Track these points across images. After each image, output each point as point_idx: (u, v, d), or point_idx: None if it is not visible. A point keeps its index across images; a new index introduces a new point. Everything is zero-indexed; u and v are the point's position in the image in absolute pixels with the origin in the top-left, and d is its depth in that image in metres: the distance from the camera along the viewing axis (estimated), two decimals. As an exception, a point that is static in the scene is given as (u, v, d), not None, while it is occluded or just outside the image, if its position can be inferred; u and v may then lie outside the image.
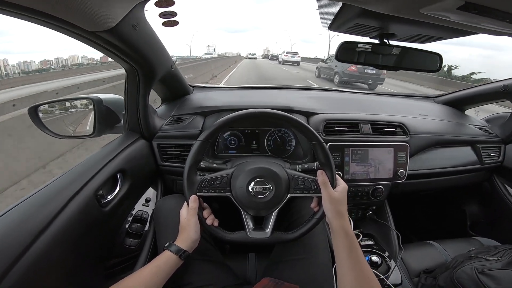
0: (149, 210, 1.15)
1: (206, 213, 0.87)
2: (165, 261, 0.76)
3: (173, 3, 0.73)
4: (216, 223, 0.87)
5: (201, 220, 0.84)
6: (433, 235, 1.63)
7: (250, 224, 0.86)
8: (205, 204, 0.89)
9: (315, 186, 0.86)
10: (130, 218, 1.09)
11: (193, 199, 0.83)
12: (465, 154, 1.44)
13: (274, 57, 47.55)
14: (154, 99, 1.47)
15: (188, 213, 0.82)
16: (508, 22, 0.58)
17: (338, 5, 0.76)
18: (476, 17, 0.57)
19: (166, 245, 0.80)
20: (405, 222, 1.64)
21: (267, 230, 0.85)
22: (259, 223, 0.88)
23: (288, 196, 0.87)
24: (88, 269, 0.84)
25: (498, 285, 0.90)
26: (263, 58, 66.01)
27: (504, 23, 0.59)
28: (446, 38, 0.90)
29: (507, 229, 1.48)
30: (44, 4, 0.52)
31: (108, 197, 0.92)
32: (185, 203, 0.85)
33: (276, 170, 0.87)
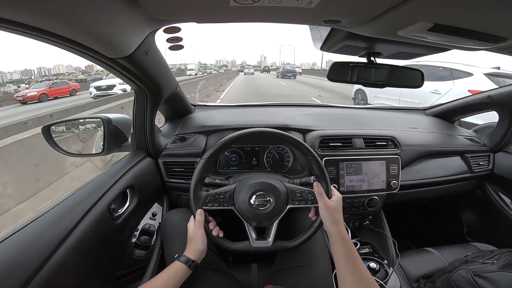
0: (156, 223, 1.19)
1: (211, 225, 0.92)
2: (176, 271, 0.81)
3: (179, 30, 0.81)
4: (221, 234, 0.92)
5: (207, 232, 0.90)
6: (431, 242, 1.66)
7: (253, 234, 0.91)
8: (210, 217, 0.94)
9: (312, 197, 0.91)
10: (137, 232, 1.13)
11: (200, 213, 0.89)
12: (455, 164, 1.50)
13: (289, 74, 28.40)
14: (159, 118, 1.54)
15: (195, 226, 0.88)
16: (475, 39, 0.67)
17: (327, 29, 0.84)
18: (446, 36, 0.65)
19: (175, 256, 0.85)
20: (403, 231, 1.67)
21: (269, 239, 0.90)
22: (261, 233, 0.93)
23: (288, 207, 0.92)
24: (99, 278, 0.88)
25: (494, 287, 0.93)
26: (262, 72, 53.51)
27: (472, 40, 0.67)
28: (426, 55, 0.98)
29: (503, 234, 1.52)
30: (74, 33, 0.59)
31: (120, 210, 0.98)
32: (192, 216, 0.91)
33: (276, 184, 0.93)
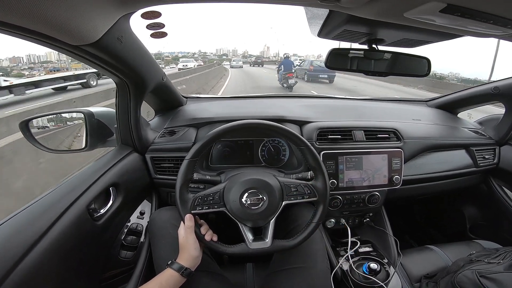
0: (144, 222, 1.14)
1: (203, 229, 0.87)
2: (167, 278, 0.78)
3: (159, 15, 0.74)
4: (215, 238, 0.87)
5: (200, 237, 0.85)
6: (432, 239, 1.61)
7: (249, 235, 0.86)
8: (201, 220, 0.90)
9: (309, 191, 0.88)
10: (125, 230, 1.08)
11: (188, 218, 0.84)
12: (460, 158, 1.44)
13: (323, 75, 15.34)
14: (148, 111, 1.46)
15: (185, 232, 0.83)
16: (492, 23, 0.59)
17: (325, 13, 0.77)
18: (459, 19, 0.58)
19: (168, 263, 0.81)
20: (403, 227, 1.62)
21: (267, 240, 0.85)
22: (258, 233, 0.89)
23: (283, 204, 0.87)
24: (84, 281, 0.84)
25: None
26: (252, 65, 40.68)
27: (487, 24, 0.60)
28: (433, 42, 0.91)
29: (507, 231, 1.47)
30: (26, 21, 0.52)
31: (101, 210, 0.93)
32: (182, 222, 0.86)
33: (268, 180, 0.88)
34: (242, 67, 36.17)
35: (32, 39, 0.60)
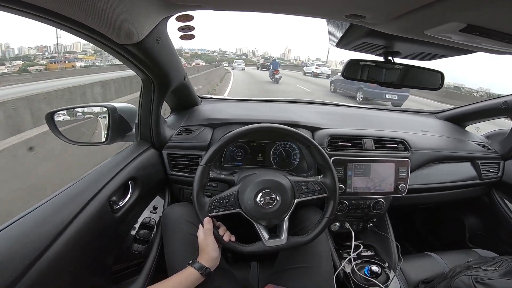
0: (156, 217, 1.17)
1: (221, 231, 0.91)
2: (187, 276, 0.82)
3: (192, 18, 0.77)
4: (233, 239, 0.91)
5: (218, 238, 0.89)
6: (432, 247, 1.63)
7: (265, 234, 0.90)
8: (218, 222, 0.93)
9: (319, 188, 0.92)
10: (137, 225, 1.11)
11: (207, 221, 0.87)
12: (465, 170, 1.47)
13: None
14: (164, 108, 1.50)
15: (204, 234, 0.87)
16: (507, 42, 0.63)
17: (346, 25, 0.80)
18: (477, 38, 0.61)
19: (189, 262, 0.85)
20: (404, 234, 1.64)
21: (283, 237, 0.89)
22: (273, 231, 0.92)
23: (295, 202, 0.91)
24: (96, 272, 0.86)
25: None
26: (260, 68, 34.97)
27: (503, 43, 0.63)
28: (449, 56, 0.94)
29: (506, 241, 1.51)
30: (84, 16, 0.55)
31: (120, 203, 0.95)
32: (200, 225, 0.89)
33: (280, 179, 0.92)
34: (244, 69, 34.94)
35: (83, 34, 0.62)
